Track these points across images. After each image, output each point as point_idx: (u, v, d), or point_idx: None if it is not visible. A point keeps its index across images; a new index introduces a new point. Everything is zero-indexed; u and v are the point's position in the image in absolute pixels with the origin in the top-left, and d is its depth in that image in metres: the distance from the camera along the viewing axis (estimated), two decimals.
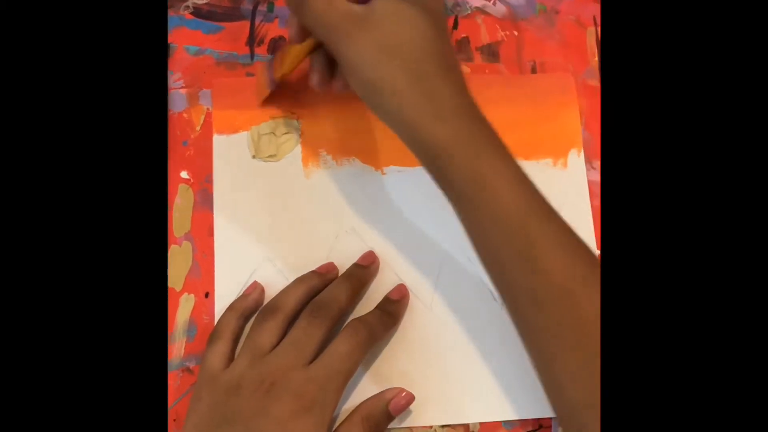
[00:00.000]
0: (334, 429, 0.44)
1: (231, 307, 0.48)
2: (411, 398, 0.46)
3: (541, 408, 0.48)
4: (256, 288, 0.49)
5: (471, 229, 0.43)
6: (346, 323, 0.46)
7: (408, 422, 0.47)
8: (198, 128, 0.53)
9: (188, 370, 0.48)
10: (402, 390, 0.46)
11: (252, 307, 0.49)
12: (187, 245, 0.50)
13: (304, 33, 0.47)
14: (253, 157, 0.52)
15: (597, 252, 0.50)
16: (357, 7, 0.42)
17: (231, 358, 0.46)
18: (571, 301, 0.39)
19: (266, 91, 0.52)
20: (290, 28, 0.48)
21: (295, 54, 0.48)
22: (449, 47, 0.44)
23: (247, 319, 0.49)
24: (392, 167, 0.52)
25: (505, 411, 0.48)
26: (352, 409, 0.46)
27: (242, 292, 0.49)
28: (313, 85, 0.48)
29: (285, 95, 0.53)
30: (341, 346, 0.44)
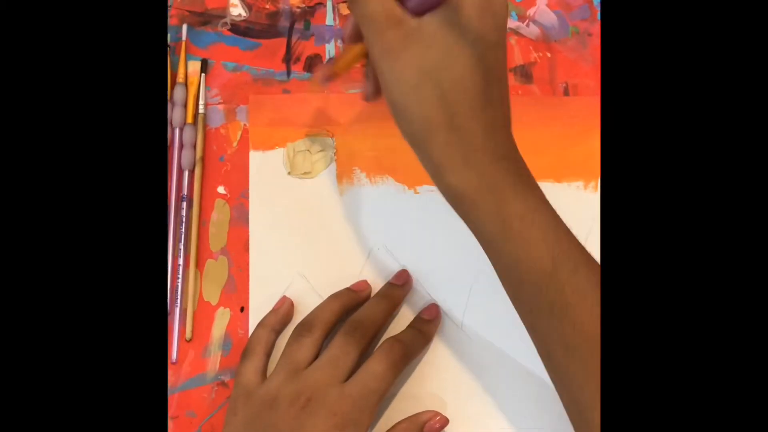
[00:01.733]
0: None
1: (262, 323, 0.49)
2: (445, 422, 0.47)
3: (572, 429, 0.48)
4: (285, 302, 0.50)
5: (500, 275, 0.42)
6: (381, 342, 0.47)
7: None
8: (235, 144, 0.54)
9: (223, 383, 0.49)
10: (437, 414, 0.47)
11: (282, 321, 0.50)
12: (223, 260, 0.51)
13: (359, 33, 0.42)
14: (289, 173, 0.53)
15: None
16: (409, 19, 0.39)
17: (265, 373, 0.47)
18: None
19: (321, 87, 0.53)
20: (346, 25, 0.45)
21: (350, 55, 0.44)
22: (495, 80, 0.40)
23: (278, 333, 0.49)
24: (425, 186, 0.53)
25: (538, 430, 0.48)
26: (384, 428, 0.46)
27: (272, 307, 0.50)
28: (365, 97, 0.47)
29: (320, 113, 0.54)
30: (377, 365, 0.45)
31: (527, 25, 0.58)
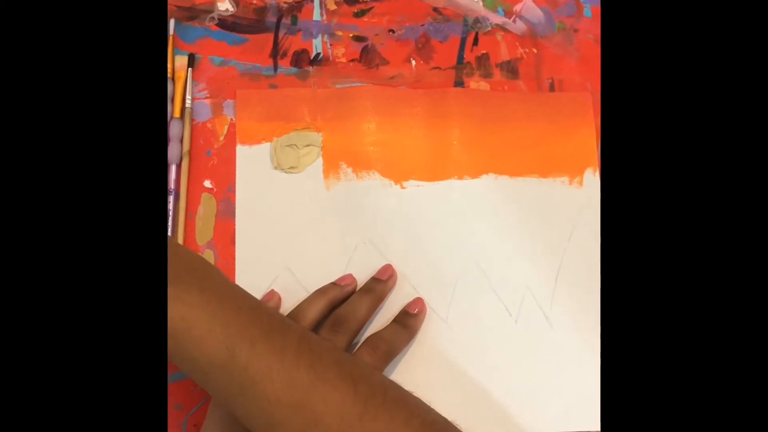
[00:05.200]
0: None
1: None
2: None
3: (554, 424, 0.49)
4: (273, 296, 0.50)
5: (188, 374, 0.41)
6: (366, 338, 0.47)
7: None
8: (221, 138, 0.54)
9: None
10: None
11: None
12: (209, 253, 0.52)
13: None
14: (275, 168, 0.53)
15: None
16: None
17: None
18: (302, 403, 0.39)
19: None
20: None
21: None
22: None
23: None
24: (411, 181, 0.53)
25: (519, 425, 0.49)
26: None
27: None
28: None
29: (307, 108, 0.54)
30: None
31: (514, 21, 0.58)
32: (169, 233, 0.51)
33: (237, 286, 0.43)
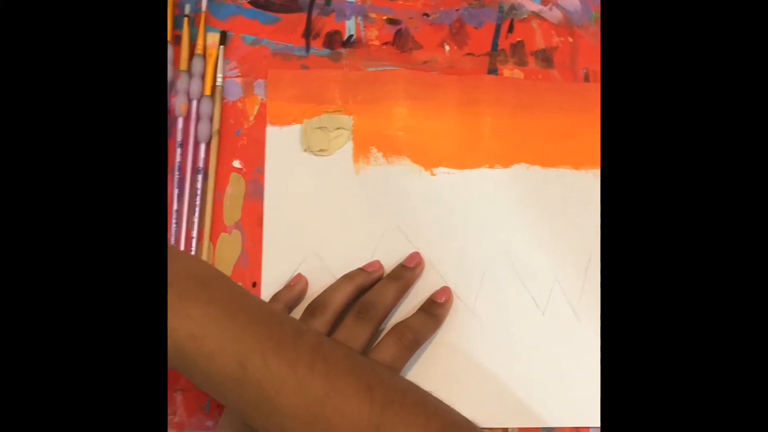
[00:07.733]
0: None
1: (275, 298, 0.49)
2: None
3: (580, 418, 0.48)
4: (300, 280, 0.50)
5: (205, 391, 0.41)
6: (392, 327, 0.47)
7: None
8: (252, 118, 0.53)
9: None
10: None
11: (296, 298, 0.50)
12: (236, 234, 0.51)
13: None
14: (305, 150, 0.53)
15: None
16: None
17: None
18: (317, 416, 0.39)
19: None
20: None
21: None
22: None
23: (290, 310, 0.49)
24: (442, 168, 0.53)
25: (544, 418, 0.49)
26: None
27: (287, 283, 0.50)
28: None
29: (338, 90, 0.54)
30: (386, 352, 0.45)
31: (550, 9, 0.57)
32: (197, 213, 0.51)
33: (247, 292, 0.42)
